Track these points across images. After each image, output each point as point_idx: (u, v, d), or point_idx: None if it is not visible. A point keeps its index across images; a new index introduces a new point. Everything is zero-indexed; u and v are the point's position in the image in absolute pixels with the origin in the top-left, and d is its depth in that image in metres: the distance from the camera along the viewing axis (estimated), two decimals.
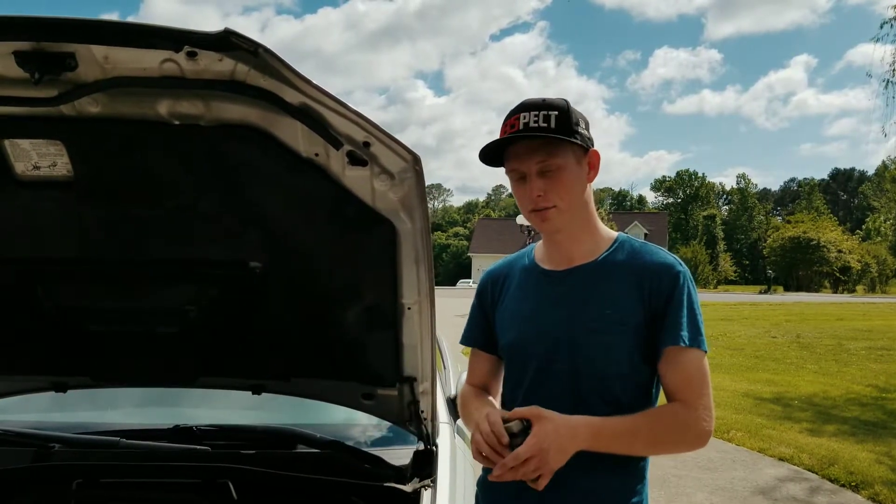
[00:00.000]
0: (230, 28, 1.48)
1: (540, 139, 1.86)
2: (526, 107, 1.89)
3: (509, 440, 1.75)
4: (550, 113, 1.86)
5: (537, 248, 2.11)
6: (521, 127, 1.86)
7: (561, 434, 1.73)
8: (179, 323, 2.28)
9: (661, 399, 1.95)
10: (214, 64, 1.54)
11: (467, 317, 2.22)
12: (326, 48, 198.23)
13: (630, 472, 1.93)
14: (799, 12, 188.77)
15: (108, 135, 1.77)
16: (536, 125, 1.85)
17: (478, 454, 1.83)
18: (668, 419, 1.86)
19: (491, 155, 1.94)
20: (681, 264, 1.94)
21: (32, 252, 2.10)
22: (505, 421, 1.78)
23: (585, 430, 1.77)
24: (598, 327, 1.89)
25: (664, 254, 1.97)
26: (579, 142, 1.88)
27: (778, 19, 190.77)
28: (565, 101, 1.91)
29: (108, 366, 2.45)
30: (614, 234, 2.04)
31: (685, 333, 1.85)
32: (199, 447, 2.47)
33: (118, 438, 2.49)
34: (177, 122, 1.73)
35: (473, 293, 2.23)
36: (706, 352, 1.88)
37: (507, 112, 1.94)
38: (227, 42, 1.48)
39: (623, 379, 1.90)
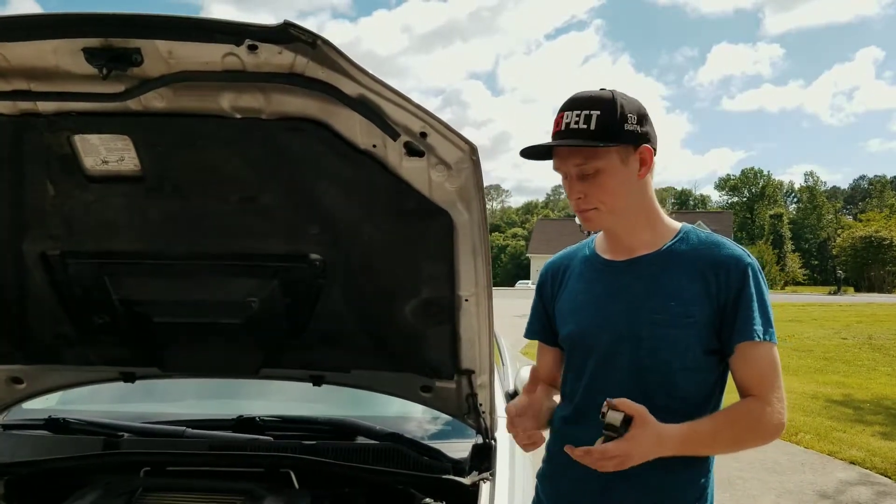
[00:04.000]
0: (289, 20, 1.51)
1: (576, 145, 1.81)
2: (571, 104, 1.84)
3: (605, 428, 1.69)
4: (592, 113, 1.79)
5: (598, 239, 2.07)
6: (562, 127, 1.82)
7: (650, 445, 1.70)
8: (243, 315, 2.32)
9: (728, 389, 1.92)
10: (274, 57, 1.57)
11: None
12: (380, 51, 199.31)
13: (695, 466, 1.89)
14: (863, 3, 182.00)
15: (173, 129, 1.82)
16: (577, 126, 1.80)
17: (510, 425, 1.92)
18: (748, 418, 1.81)
19: (539, 151, 1.89)
20: (749, 256, 1.88)
21: (101, 246, 2.17)
22: (610, 408, 1.71)
23: (674, 441, 1.73)
24: (661, 320, 1.85)
25: (732, 246, 1.91)
26: (622, 142, 1.81)
27: (840, 11, 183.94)
28: (612, 95, 1.83)
29: (176, 357, 2.52)
30: (678, 224, 1.99)
31: (758, 328, 1.80)
32: (261, 437, 2.52)
33: (184, 428, 2.57)
34: (238, 116, 1.77)
35: (533, 293, 2.21)
36: (776, 343, 1.84)
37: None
38: (287, 34, 1.50)
39: (686, 371, 1.86)
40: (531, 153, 1.89)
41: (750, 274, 1.84)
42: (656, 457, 1.73)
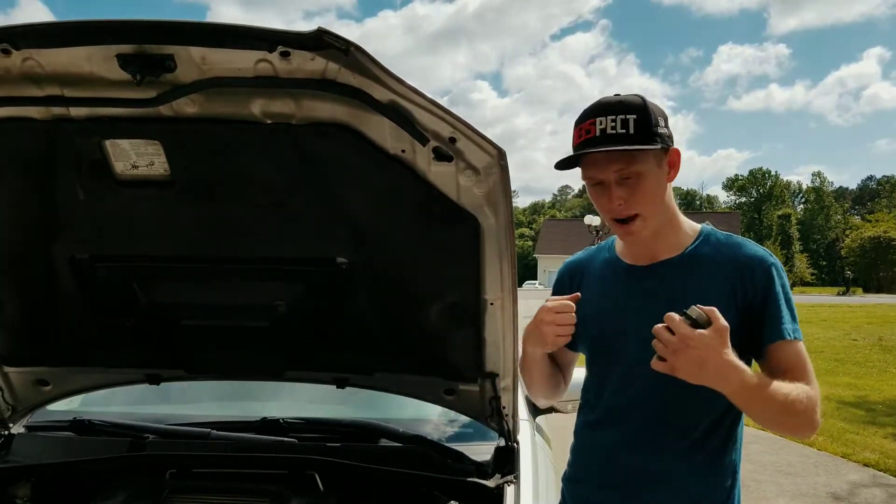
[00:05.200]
0: (323, 27, 1.52)
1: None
2: (602, 109, 1.82)
3: (684, 317, 1.67)
4: (629, 117, 1.79)
5: (618, 241, 2.08)
6: (597, 133, 1.80)
7: (710, 354, 1.65)
8: (269, 318, 2.33)
9: None
10: (307, 63, 1.58)
11: None
12: (386, 52, 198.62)
13: (722, 470, 1.89)
14: (869, 3, 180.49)
15: (204, 134, 1.83)
16: (614, 132, 1.78)
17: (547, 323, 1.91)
18: (800, 392, 1.75)
19: (565, 161, 1.88)
20: (771, 255, 1.88)
21: (130, 249, 2.18)
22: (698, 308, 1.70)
23: (739, 376, 1.68)
24: None
25: (753, 246, 1.91)
26: (660, 146, 1.82)
27: (846, 11, 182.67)
28: (641, 99, 1.84)
29: (202, 359, 2.53)
30: (698, 226, 1.99)
31: (787, 327, 1.81)
32: (286, 439, 2.53)
33: (209, 430, 2.58)
34: (269, 122, 1.78)
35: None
36: (802, 340, 1.84)
37: (581, 112, 1.87)
38: (320, 41, 1.51)
39: None
40: (568, 163, 1.88)
41: (775, 273, 1.85)
42: (712, 384, 1.69)
